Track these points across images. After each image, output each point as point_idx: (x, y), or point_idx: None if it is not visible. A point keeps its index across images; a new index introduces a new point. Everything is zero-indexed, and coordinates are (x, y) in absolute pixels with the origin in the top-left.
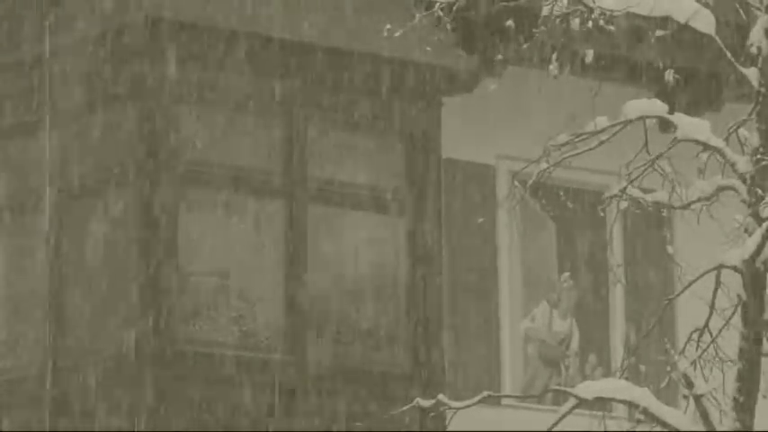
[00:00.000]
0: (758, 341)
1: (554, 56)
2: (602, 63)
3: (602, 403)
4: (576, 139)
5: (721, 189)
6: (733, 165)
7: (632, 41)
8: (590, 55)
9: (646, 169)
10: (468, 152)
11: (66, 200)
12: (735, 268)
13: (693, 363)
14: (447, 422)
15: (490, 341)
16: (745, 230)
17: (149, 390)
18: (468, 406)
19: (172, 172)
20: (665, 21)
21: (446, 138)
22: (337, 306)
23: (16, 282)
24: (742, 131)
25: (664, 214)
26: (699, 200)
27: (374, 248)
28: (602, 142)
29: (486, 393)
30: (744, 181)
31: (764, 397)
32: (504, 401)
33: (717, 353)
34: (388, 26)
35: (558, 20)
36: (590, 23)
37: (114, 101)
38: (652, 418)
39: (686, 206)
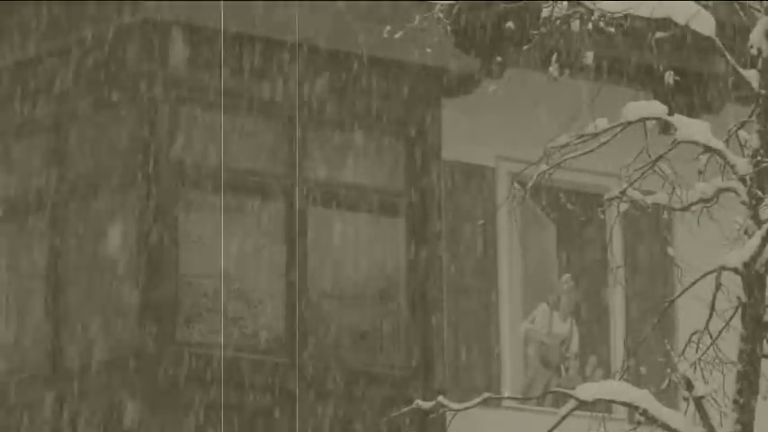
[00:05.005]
0: (758, 343)
1: (554, 58)
2: (603, 65)
3: (602, 405)
4: (576, 141)
5: (721, 191)
6: (733, 166)
7: (632, 43)
8: (590, 57)
9: (646, 171)
10: (468, 154)
11: (66, 200)
12: (735, 270)
13: (693, 364)
14: (447, 424)
15: (490, 342)
16: (746, 232)
17: (149, 391)
18: (469, 408)
19: (172, 173)
20: (665, 22)
21: (446, 139)
22: (337, 307)
23: (17, 282)
24: (742, 133)
25: (664, 216)
26: (699, 202)
27: (374, 250)
28: (602, 144)
29: (486, 395)
30: (744, 183)
31: (765, 398)
32: (505, 403)
33: (717, 355)
34: (389, 27)
35: (558, 22)
36: (590, 25)
37: (114, 101)
38: (652, 419)
39: (686, 208)
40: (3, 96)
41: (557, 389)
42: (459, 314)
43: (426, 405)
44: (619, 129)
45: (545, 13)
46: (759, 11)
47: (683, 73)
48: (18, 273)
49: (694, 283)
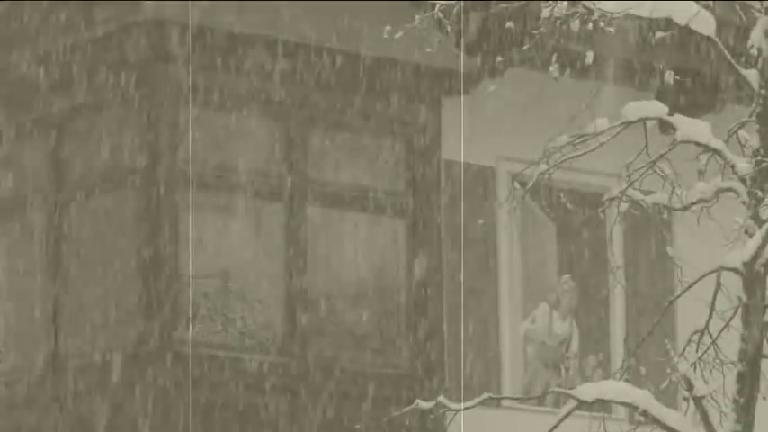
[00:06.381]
0: (758, 343)
1: (554, 58)
2: (603, 65)
3: (602, 405)
4: (576, 141)
5: (721, 191)
6: (733, 166)
7: (632, 43)
8: (590, 57)
9: (646, 171)
10: (469, 154)
11: (67, 200)
12: (735, 270)
13: (694, 364)
14: (447, 424)
15: (490, 342)
16: (746, 232)
17: (150, 391)
18: (469, 407)
19: (172, 173)
20: (665, 22)
21: (446, 139)
22: (337, 307)
23: (17, 282)
24: (742, 133)
25: (664, 216)
26: (699, 201)
27: (374, 249)
28: (602, 144)
29: (486, 395)
30: (744, 183)
31: (765, 399)
32: (505, 403)
33: (717, 354)
34: (389, 27)
35: (558, 22)
36: (590, 25)
37: (115, 102)
38: (652, 419)
39: (686, 208)
40: (4, 95)
41: (557, 389)
42: (460, 314)
43: (426, 405)
44: (619, 129)
45: (545, 13)
46: (759, 11)
47: (683, 73)
48: (18, 272)
49: (694, 283)
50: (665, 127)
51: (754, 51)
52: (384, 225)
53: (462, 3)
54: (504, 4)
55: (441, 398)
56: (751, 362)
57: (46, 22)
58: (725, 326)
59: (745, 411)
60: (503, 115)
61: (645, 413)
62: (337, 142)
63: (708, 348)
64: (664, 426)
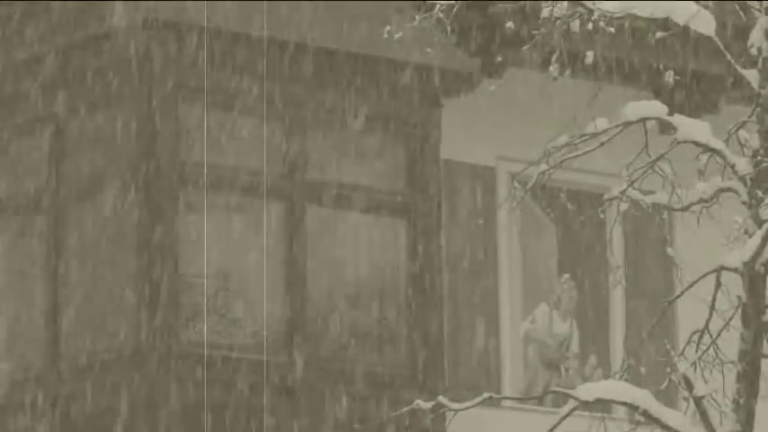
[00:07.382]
0: (758, 343)
1: (554, 57)
2: (603, 65)
3: (602, 405)
4: (576, 141)
5: (721, 191)
6: (733, 166)
7: (632, 43)
8: (590, 57)
9: (646, 171)
10: (468, 154)
11: (67, 200)
12: (735, 270)
13: (693, 364)
14: (447, 424)
15: (490, 342)
16: (746, 232)
17: (150, 391)
18: (469, 407)
19: (172, 173)
20: (665, 22)
21: (446, 139)
22: (337, 307)
23: (17, 283)
24: (742, 133)
25: (664, 216)
26: (699, 201)
27: (374, 249)
28: (602, 144)
29: (486, 395)
30: (744, 183)
31: (764, 398)
32: (505, 403)
33: (717, 354)
34: (389, 27)
35: (558, 21)
36: (590, 25)
37: (114, 102)
38: (652, 419)
39: (686, 208)
40: (2, 95)
41: (557, 389)
42: (460, 314)
43: (426, 405)
44: (619, 129)
45: (545, 12)
46: (758, 11)
47: (683, 73)
48: (17, 272)
49: (694, 283)
50: (665, 127)
51: (754, 51)
52: (384, 225)
53: (462, 2)
54: (503, 4)
55: (441, 398)
56: (751, 362)
57: (45, 20)
58: (725, 326)
59: (744, 411)
60: (502, 115)
61: (645, 413)
62: (337, 141)
63: (708, 348)
64: (663, 426)
